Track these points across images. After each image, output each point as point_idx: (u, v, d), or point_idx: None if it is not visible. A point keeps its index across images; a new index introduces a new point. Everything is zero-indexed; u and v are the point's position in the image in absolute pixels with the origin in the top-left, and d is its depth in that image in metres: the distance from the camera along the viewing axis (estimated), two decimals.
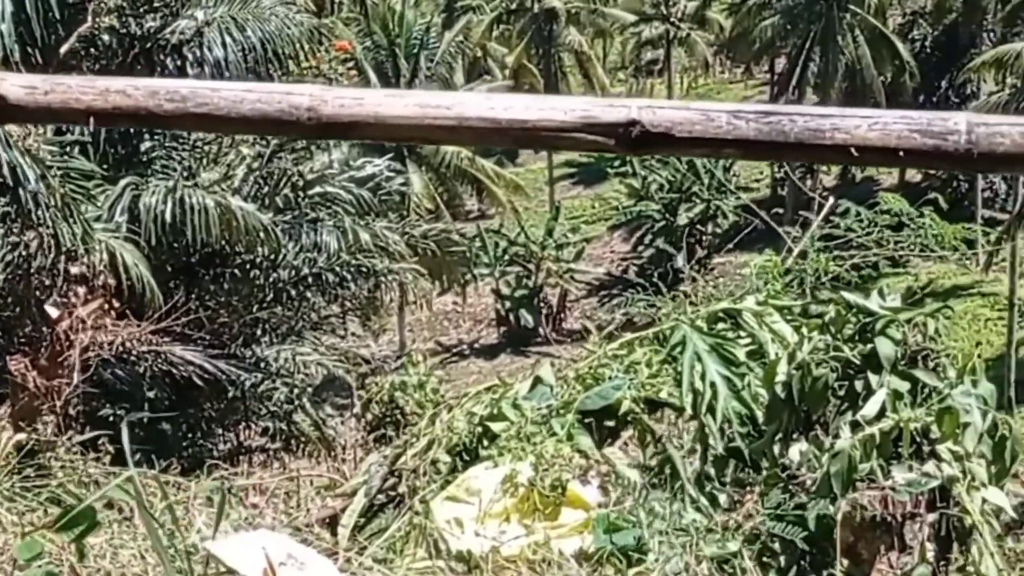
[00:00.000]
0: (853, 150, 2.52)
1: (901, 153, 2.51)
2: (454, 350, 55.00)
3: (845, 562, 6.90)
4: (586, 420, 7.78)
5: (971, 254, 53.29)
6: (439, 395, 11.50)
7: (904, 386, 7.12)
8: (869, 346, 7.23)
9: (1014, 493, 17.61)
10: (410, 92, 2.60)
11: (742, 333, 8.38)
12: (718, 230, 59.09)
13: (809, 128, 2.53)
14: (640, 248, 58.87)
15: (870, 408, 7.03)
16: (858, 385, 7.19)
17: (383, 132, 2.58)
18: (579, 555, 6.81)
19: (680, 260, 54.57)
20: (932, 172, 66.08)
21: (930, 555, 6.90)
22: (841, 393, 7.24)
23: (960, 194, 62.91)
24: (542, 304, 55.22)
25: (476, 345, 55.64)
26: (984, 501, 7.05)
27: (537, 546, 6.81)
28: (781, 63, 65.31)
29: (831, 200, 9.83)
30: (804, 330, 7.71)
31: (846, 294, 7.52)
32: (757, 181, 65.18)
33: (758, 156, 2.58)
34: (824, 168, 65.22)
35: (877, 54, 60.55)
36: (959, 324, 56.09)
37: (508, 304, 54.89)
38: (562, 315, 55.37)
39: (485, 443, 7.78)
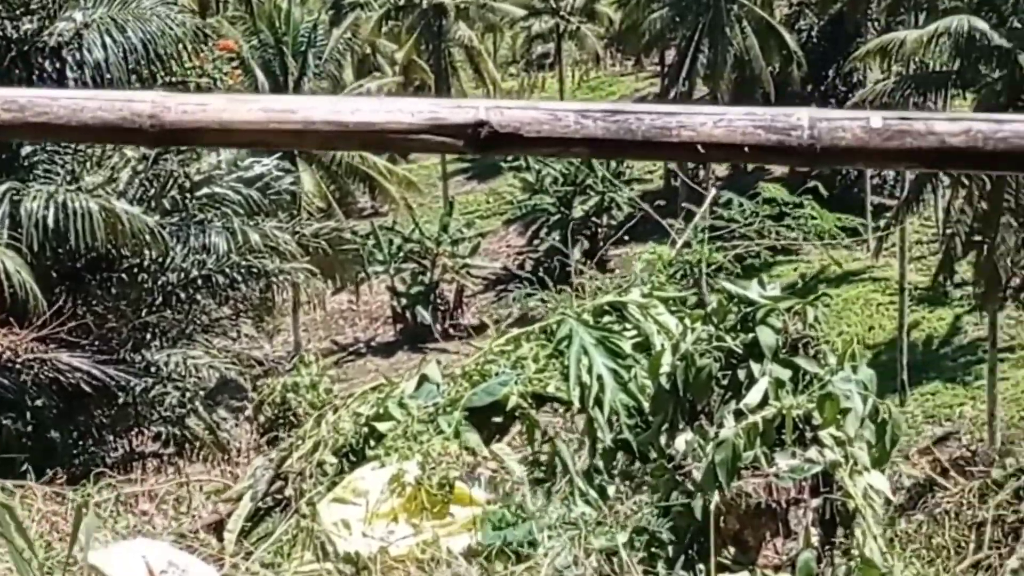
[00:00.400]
0: (700, 147, 2.54)
1: (746, 149, 2.53)
2: (350, 349, 54.80)
3: (732, 549, 6.98)
4: (473, 417, 7.78)
5: (861, 240, 54.08)
6: (331, 395, 11.44)
7: (786, 374, 7.21)
8: (751, 335, 7.30)
9: (907, 475, 17.91)
10: (256, 96, 2.57)
11: (628, 326, 8.43)
12: (613, 222, 59.44)
13: (656, 126, 2.54)
14: (536, 242, 59.07)
15: (753, 396, 7.10)
16: (741, 374, 7.26)
17: (228, 138, 2.55)
18: (468, 552, 6.82)
19: (577, 253, 54.80)
20: None
21: (815, 539, 6.99)
22: (725, 383, 7.31)
23: (850, 180, 63.79)
24: (438, 300, 55.20)
25: (373, 343, 55.47)
26: (867, 485, 7.16)
27: (426, 545, 6.81)
28: (671, 55, 65.78)
29: (713, 191, 9.94)
30: (687, 321, 7.78)
31: (727, 284, 7.59)
32: (651, 172, 65.59)
33: (607, 154, 2.59)
34: None
35: (765, 44, 61.24)
36: (852, 309, 56.95)
37: (404, 301, 54.80)
38: (459, 311, 55.40)
39: (372, 443, 7.75)
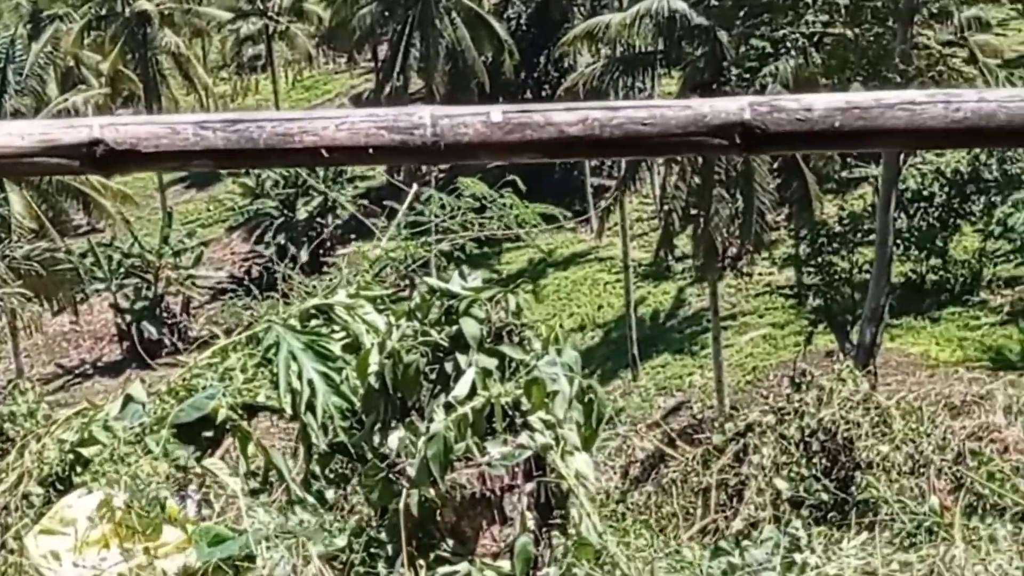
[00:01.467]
0: (324, 151, 2.52)
1: (371, 151, 2.53)
2: (76, 371, 53.26)
3: (451, 542, 7.01)
4: (182, 434, 7.62)
5: (581, 221, 55.11)
6: (52, 422, 11.07)
7: (492, 363, 7.27)
8: (455, 327, 7.35)
9: (640, 448, 18.30)
10: None
11: (336, 327, 8.38)
12: (339, 221, 59.26)
13: (278, 133, 2.51)
14: (261, 247, 58.45)
15: (461, 388, 7.14)
16: (448, 367, 7.29)
17: None
18: (183, 572, 6.69)
19: (304, 255, 54.41)
20: None
21: (531, 523, 7.08)
22: (433, 377, 7.33)
23: (569, 164, 64.99)
24: (165, 314, 54.08)
25: (99, 363, 54.00)
26: (578, 465, 7.28)
27: (139, 569, 6.65)
28: (384, 50, 65.87)
29: (414, 187, 10.01)
30: (392, 318, 7.78)
31: (428, 278, 7.63)
32: (373, 169, 65.53)
33: (231, 165, 2.55)
34: None
35: (476, 35, 61.90)
36: (580, 290, 58.11)
37: (128, 317, 53.49)
38: (187, 323, 54.39)
39: (78, 470, 7.52)
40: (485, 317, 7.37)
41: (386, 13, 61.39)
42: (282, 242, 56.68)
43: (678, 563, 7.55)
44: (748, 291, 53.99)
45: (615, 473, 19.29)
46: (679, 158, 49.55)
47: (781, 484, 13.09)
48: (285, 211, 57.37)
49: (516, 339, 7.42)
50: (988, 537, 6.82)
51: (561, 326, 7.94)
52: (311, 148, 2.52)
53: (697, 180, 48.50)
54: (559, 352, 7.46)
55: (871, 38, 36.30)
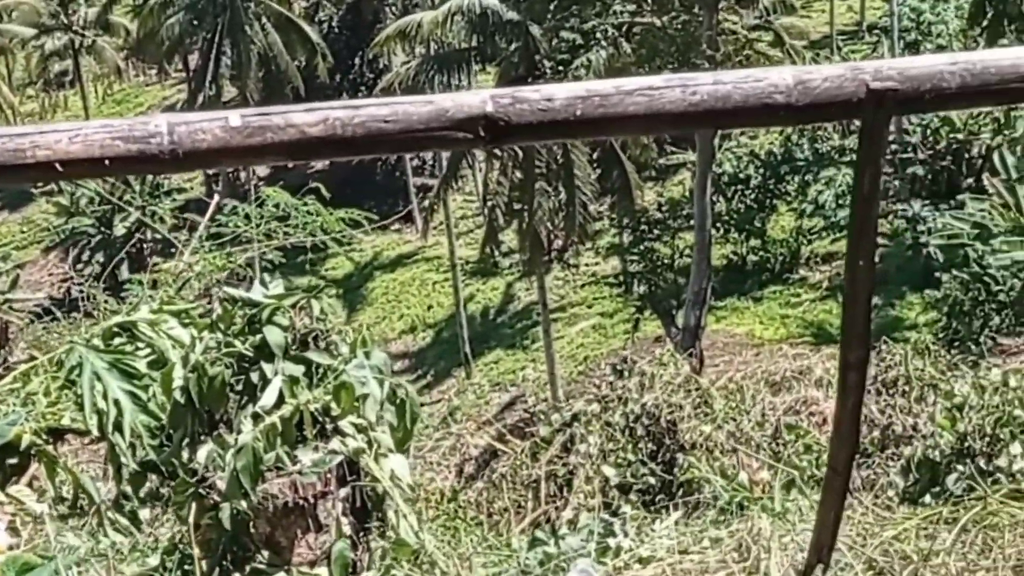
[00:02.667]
0: (58, 165, 2.46)
1: (107, 162, 2.47)
2: None
3: (266, 553, 6.94)
4: None
5: (396, 220, 54.93)
6: None
7: (299, 370, 7.20)
8: (259, 336, 7.26)
9: (474, 445, 18.29)
10: None
11: (141, 344, 8.22)
12: (158, 235, 58.24)
13: (8, 149, 2.44)
14: (79, 266, 57.23)
15: (267, 398, 7.06)
16: (254, 376, 7.21)
17: None
18: None
19: (125, 272, 53.37)
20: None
21: (347, 529, 7.03)
22: (239, 388, 7.24)
23: (391, 165, 64.89)
24: None
25: None
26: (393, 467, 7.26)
27: None
28: (195, 59, 64.95)
29: (216, 199, 9.85)
30: (194, 331, 7.65)
31: (228, 288, 7.53)
32: (190, 180, 64.61)
33: None
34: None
35: (288, 40, 61.37)
36: (409, 291, 58.01)
37: None
38: (7, 348, 53.01)
39: None
40: (289, 324, 7.30)
41: (195, 22, 60.54)
42: (100, 260, 55.58)
43: (498, 557, 7.57)
44: (576, 282, 54.48)
45: (450, 472, 19.32)
46: (499, 152, 49.83)
47: (608, 471, 13.24)
48: (102, 228, 56.28)
49: (323, 344, 7.36)
50: (796, 508, 6.97)
51: (369, 329, 7.91)
52: (45, 163, 2.46)
53: (519, 175, 48.81)
54: (367, 355, 7.42)
55: (679, 26, 36.87)
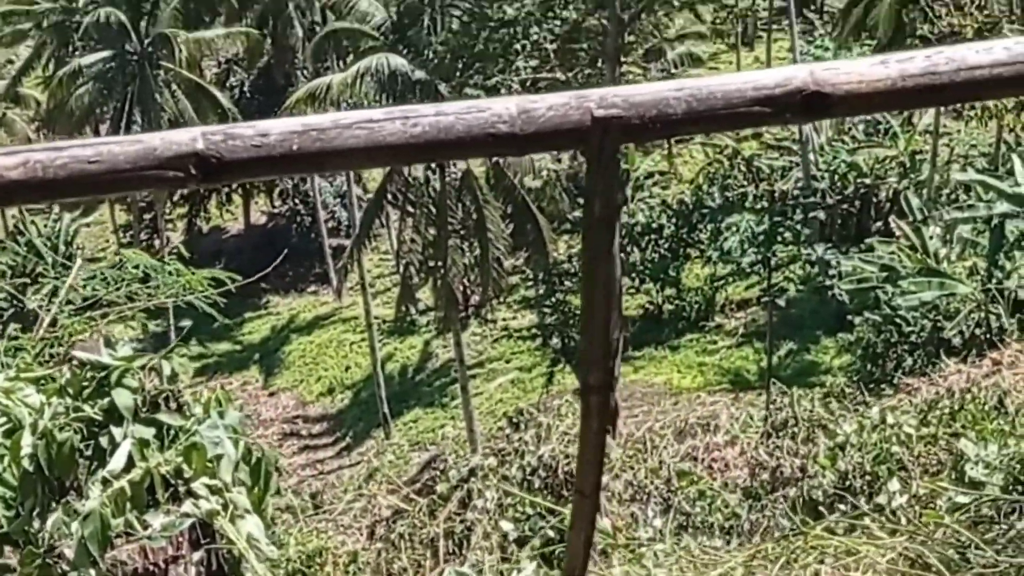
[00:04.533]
0: None
1: None
2: None
3: None
4: None
5: (316, 281, 54.60)
6: None
7: (149, 432, 7.06)
8: (108, 399, 7.12)
9: (386, 506, 18.10)
10: None
11: None
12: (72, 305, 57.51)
13: None
14: None
15: (116, 462, 6.92)
16: (104, 441, 7.06)
17: None
18: None
19: None
20: (276, 213, 67.59)
21: None
22: (89, 453, 7.09)
23: (306, 227, 64.69)
24: None
25: None
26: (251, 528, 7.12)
27: None
28: (105, 128, 64.55)
29: (79, 262, 9.73)
30: (43, 397, 7.49)
31: (76, 352, 7.38)
32: (104, 248, 64.09)
33: None
34: (169, 222, 65.17)
35: (199, 106, 61.14)
36: (327, 353, 57.66)
37: None
38: None
39: None
40: (139, 386, 7.16)
41: (105, 91, 60.23)
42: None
43: None
44: (492, 337, 54.41)
45: (361, 534, 19.10)
46: (413, 210, 49.84)
47: (506, 525, 13.12)
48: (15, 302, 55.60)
49: (174, 405, 7.23)
50: (652, 553, 6.92)
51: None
52: None
53: (432, 231, 48.83)
54: (222, 414, 7.30)
55: (582, 80, 37.12)
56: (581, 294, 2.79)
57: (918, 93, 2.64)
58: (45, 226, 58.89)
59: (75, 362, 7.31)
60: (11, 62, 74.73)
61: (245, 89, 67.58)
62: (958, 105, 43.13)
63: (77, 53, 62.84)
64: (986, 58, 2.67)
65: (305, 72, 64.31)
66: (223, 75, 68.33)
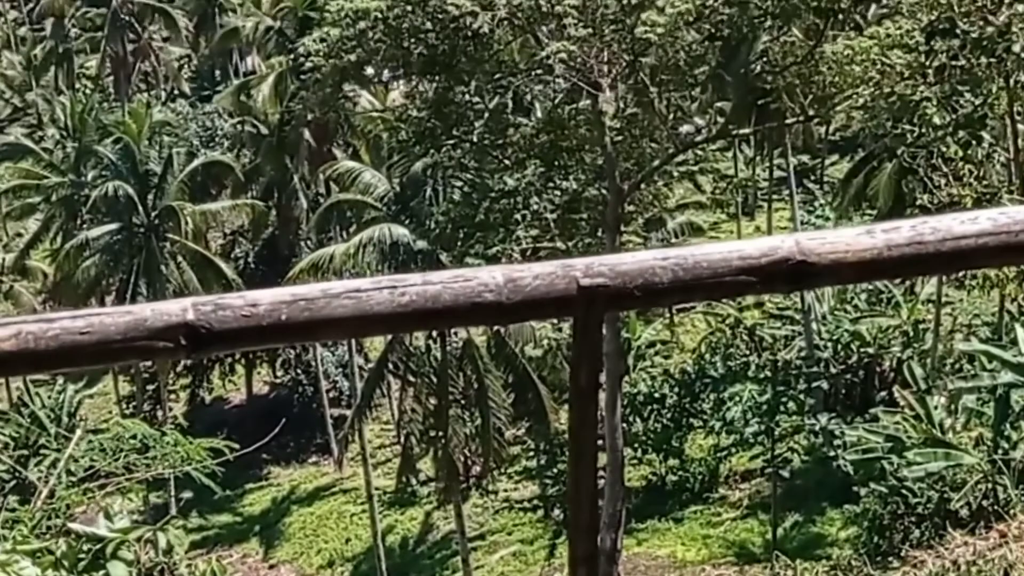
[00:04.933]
0: None
1: None
2: None
3: None
4: None
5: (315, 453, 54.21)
6: None
7: None
8: (103, 572, 7.06)
9: None
10: None
11: None
12: (72, 476, 57.22)
13: None
14: None
15: None
16: None
17: None
18: None
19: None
20: (279, 383, 67.58)
21: None
22: None
23: (307, 397, 64.59)
24: None
25: None
26: None
27: None
28: (111, 300, 64.87)
29: (79, 433, 9.72)
30: (39, 570, 7.42)
31: (73, 524, 7.33)
32: (106, 419, 63.91)
33: None
34: (171, 392, 65.11)
35: (203, 277, 61.50)
36: (327, 524, 57.09)
37: None
38: None
39: None
40: (134, 559, 7.10)
41: (111, 263, 60.66)
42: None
43: None
44: (494, 509, 53.95)
45: None
46: (414, 379, 49.77)
47: None
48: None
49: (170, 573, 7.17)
50: None
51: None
52: None
53: (433, 401, 48.71)
54: None
55: (583, 248, 37.41)
56: (568, 463, 2.79)
57: (904, 263, 2.66)
58: (49, 397, 58.84)
59: (72, 534, 7.26)
60: (20, 235, 75.52)
61: (250, 260, 68.13)
62: (960, 274, 43.37)
63: (85, 226, 63.44)
64: (972, 228, 2.70)
65: (309, 243, 64.88)
66: (228, 246, 68.94)
